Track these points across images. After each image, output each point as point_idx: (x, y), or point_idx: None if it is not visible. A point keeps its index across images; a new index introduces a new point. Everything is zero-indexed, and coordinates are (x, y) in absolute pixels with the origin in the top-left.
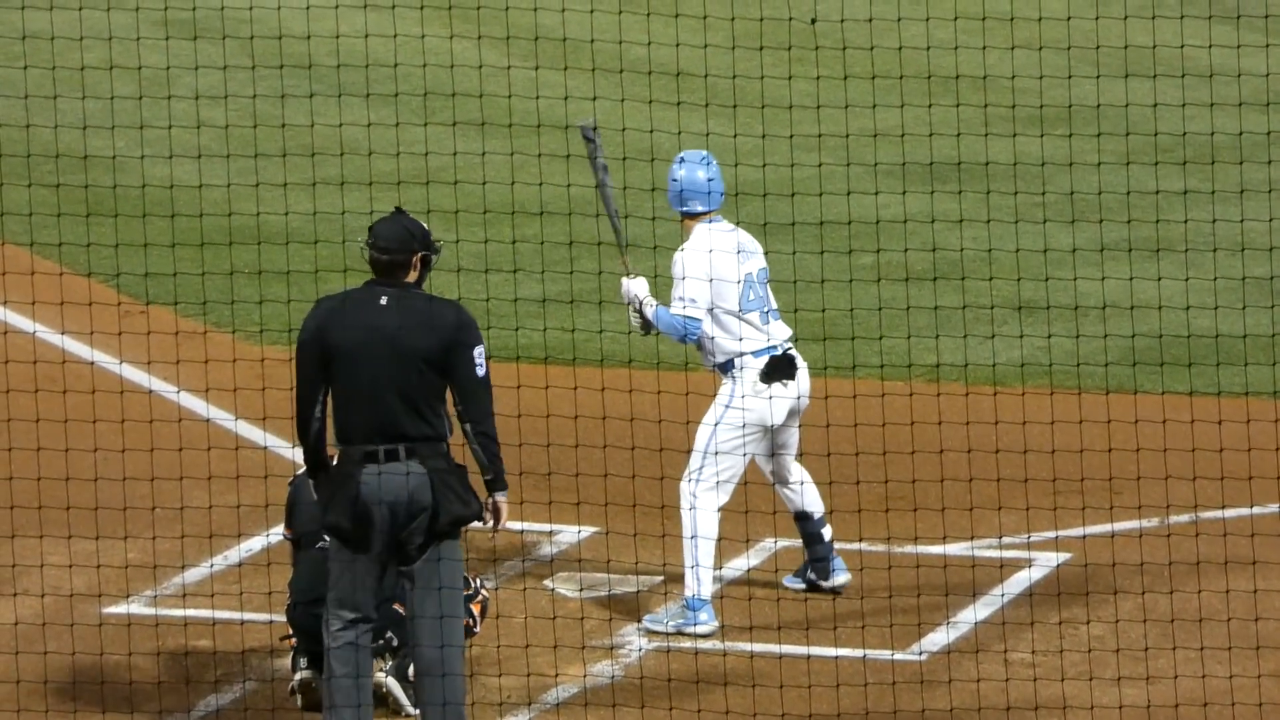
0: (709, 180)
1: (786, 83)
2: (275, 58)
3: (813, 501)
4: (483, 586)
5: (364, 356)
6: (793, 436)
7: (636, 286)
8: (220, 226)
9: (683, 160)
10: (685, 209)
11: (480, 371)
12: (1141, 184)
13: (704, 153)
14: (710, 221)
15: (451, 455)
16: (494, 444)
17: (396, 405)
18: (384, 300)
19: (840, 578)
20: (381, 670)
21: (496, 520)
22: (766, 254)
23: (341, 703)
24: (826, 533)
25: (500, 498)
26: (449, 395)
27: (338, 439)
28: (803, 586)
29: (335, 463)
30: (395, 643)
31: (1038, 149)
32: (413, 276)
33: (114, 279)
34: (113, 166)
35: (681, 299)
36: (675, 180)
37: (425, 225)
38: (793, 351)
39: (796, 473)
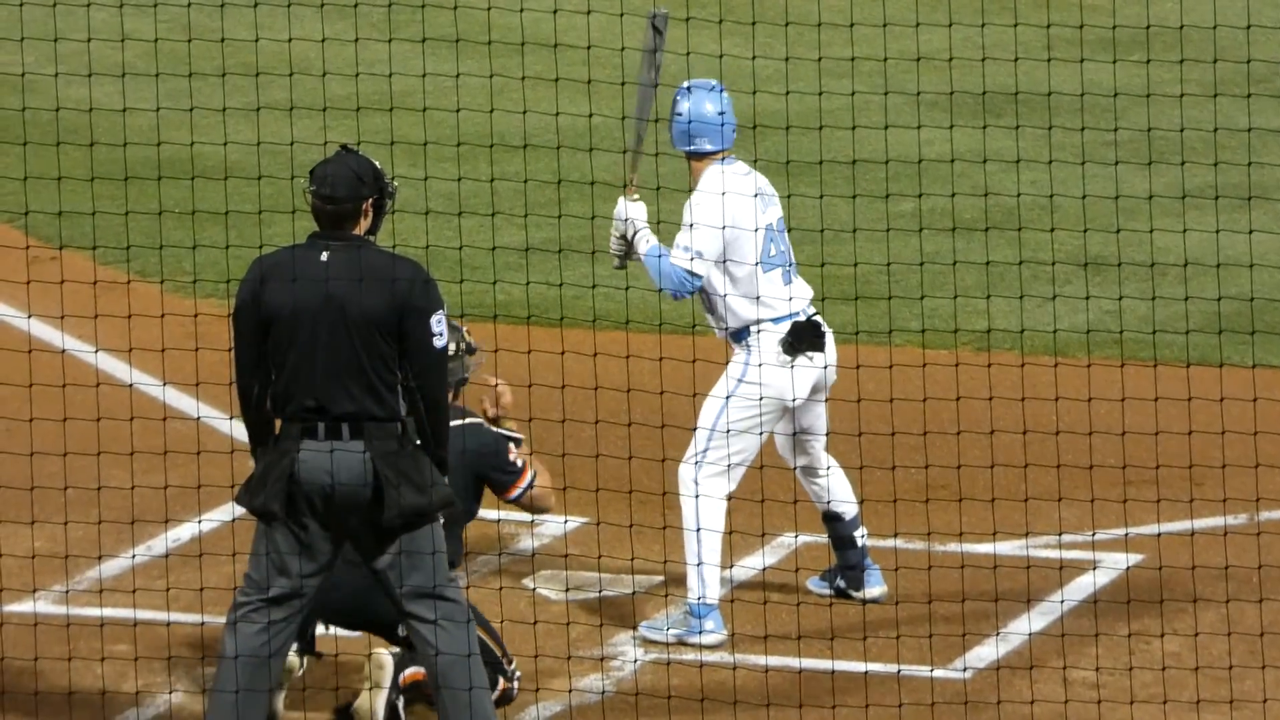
0: (720, 114)
1: None
2: None
3: (843, 496)
4: (514, 674)
5: (303, 321)
6: (819, 419)
7: (636, 210)
8: (147, 158)
9: (688, 90)
10: (692, 148)
11: (439, 342)
12: (1232, 120)
13: (713, 82)
14: (723, 162)
15: (409, 435)
16: (444, 424)
17: (340, 377)
18: (324, 256)
19: (875, 589)
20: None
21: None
22: (787, 198)
23: (225, 686)
24: (860, 535)
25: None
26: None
27: (275, 411)
28: (829, 592)
29: (273, 439)
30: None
31: (1109, 77)
32: (363, 226)
33: (21, 218)
34: (21, 86)
35: (688, 249)
36: (680, 115)
37: (377, 164)
38: (817, 317)
39: (824, 460)
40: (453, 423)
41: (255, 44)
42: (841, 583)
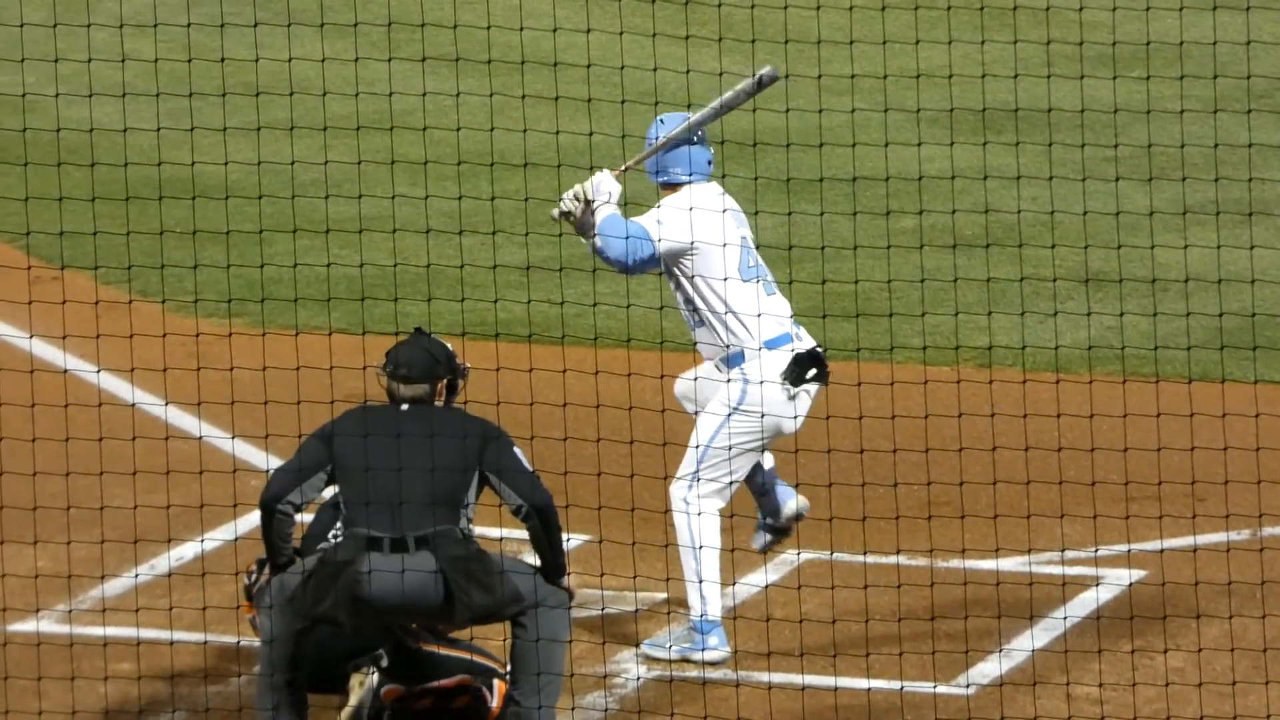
0: (691, 144)
1: (814, 13)
2: None
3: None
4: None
5: (378, 461)
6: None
7: (613, 185)
8: (148, 178)
9: (661, 122)
10: (664, 179)
11: (528, 464)
12: (1232, 136)
13: (684, 114)
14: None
15: (472, 540)
16: (559, 534)
17: (410, 507)
18: (405, 409)
19: (791, 504)
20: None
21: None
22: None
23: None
24: (767, 460)
25: (565, 584)
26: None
27: (343, 524)
28: (768, 539)
29: (333, 546)
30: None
31: (1109, 94)
32: (438, 404)
33: (22, 239)
34: (21, 106)
35: (658, 222)
36: (650, 145)
37: (449, 346)
38: (819, 348)
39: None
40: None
41: (255, 64)
42: (768, 520)
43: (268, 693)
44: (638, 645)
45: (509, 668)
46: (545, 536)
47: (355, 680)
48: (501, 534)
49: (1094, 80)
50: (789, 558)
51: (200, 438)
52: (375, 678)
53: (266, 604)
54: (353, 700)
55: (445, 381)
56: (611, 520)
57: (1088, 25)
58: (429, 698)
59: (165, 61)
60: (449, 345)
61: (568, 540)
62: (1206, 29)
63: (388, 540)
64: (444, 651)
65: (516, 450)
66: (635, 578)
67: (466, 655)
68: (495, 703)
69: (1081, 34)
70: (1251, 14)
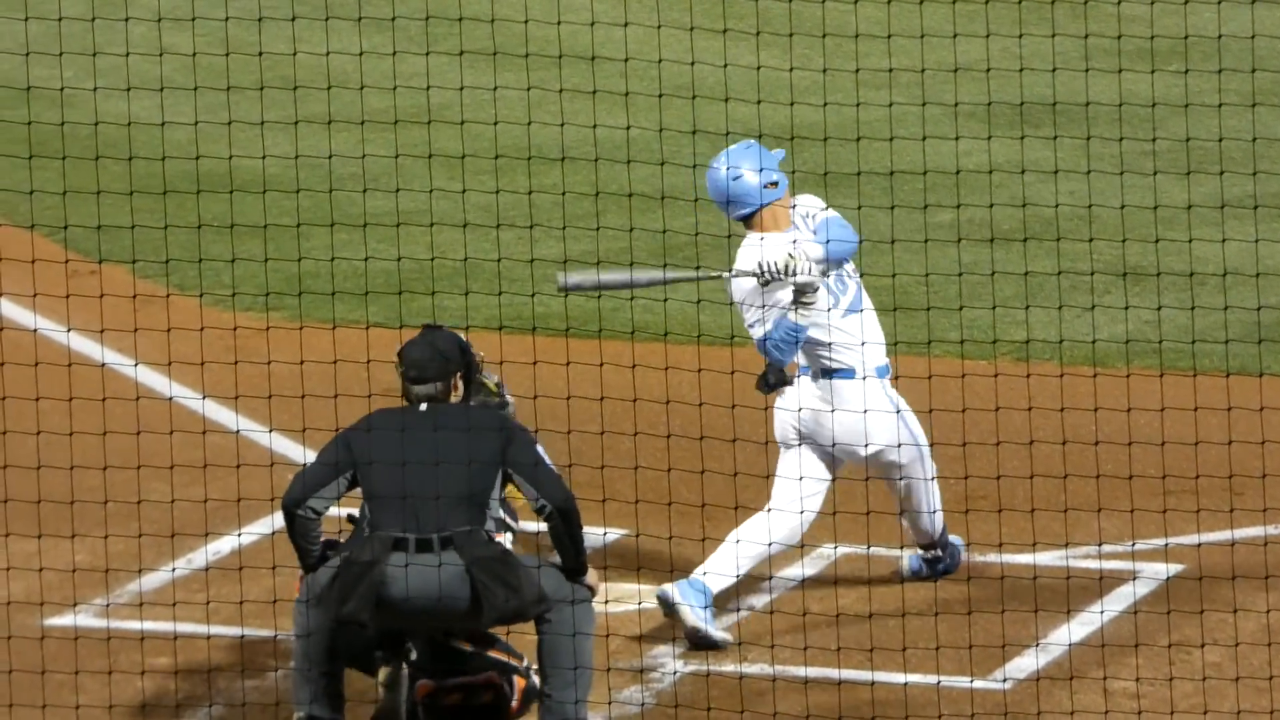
0: (756, 172)
1: (852, 7)
2: None
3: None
4: (529, 666)
5: (398, 460)
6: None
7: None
8: (186, 172)
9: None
10: (737, 215)
11: (544, 455)
12: (1270, 129)
13: (748, 142)
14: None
15: (496, 541)
16: (581, 531)
17: (433, 505)
18: (424, 408)
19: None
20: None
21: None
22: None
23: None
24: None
25: (587, 580)
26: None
27: (369, 525)
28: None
29: (357, 546)
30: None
31: (1147, 88)
32: (455, 398)
33: (60, 232)
34: (60, 100)
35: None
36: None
37: (462, 337)
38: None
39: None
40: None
41: (293, 57)
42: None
43: (304, 686)
44: (674, 640)
45: (527, 663)
46: (566, 534)
47: (383, 675)
48: (539, 527)
49: (1132, 74)
50: (826, 551)
51: (237, 432)
52: (406, 674)
53: (302, 599)
54: (387, 695)
55: (459, 375)
56: (648, 514)
57: (1126, 19)
58: (458, 693)
59: (203, 55)
60: (460, 336)
61: (605, 535)
62: (1245, 22)
63: (413, 540)
64: (468, 648)
65: (538, 447)
66: (672, 572)
67: (489, 651)
68: (516, 699)
69: (1120, 28)
70: None
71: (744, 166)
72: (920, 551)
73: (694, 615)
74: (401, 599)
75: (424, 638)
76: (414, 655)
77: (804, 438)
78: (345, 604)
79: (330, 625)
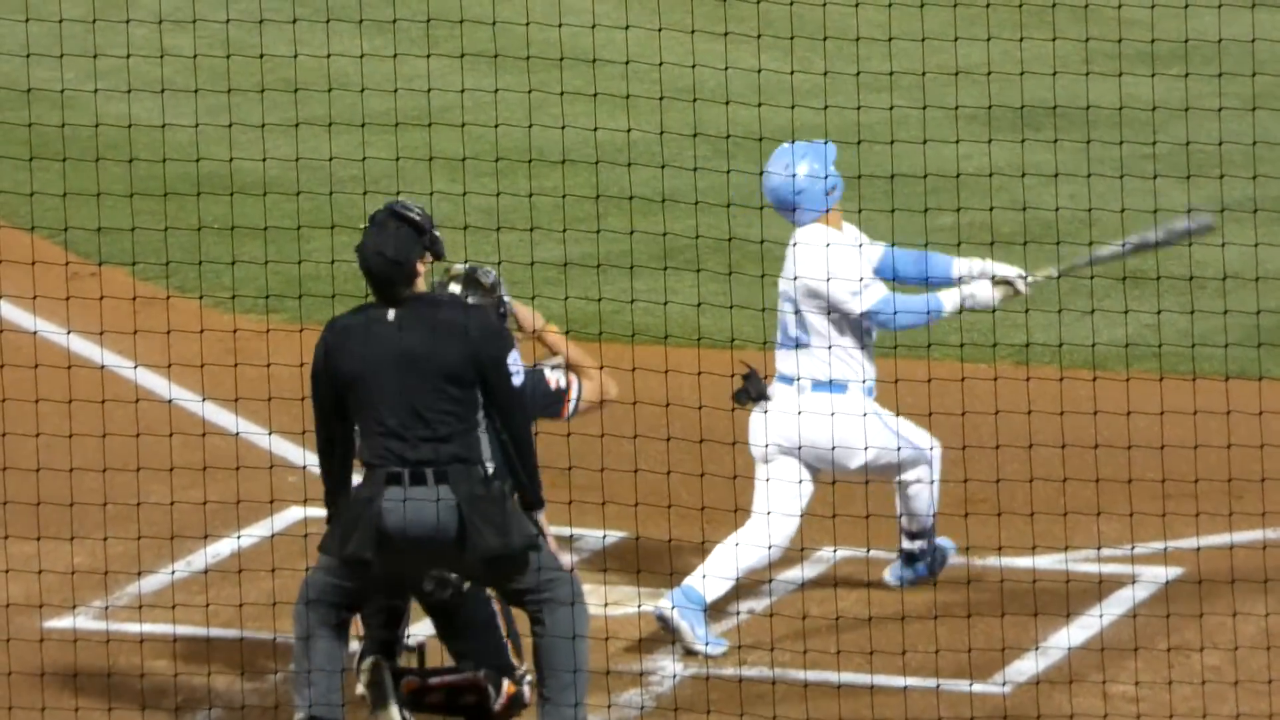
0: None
1: (853, 10)
2: None
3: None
4: (525, 675)
5: (378, 379)
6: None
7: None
8: (186, 174)
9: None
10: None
11: (517, 380)
12: (1270, 133)
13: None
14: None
15: (491, 479)
16: (531, 460)
17: (420, 427)
18: (391, 316)
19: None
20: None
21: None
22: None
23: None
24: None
25: (537, 516)
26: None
27: (361, 460)
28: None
29: (356, 487)
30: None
31: (1148, 91)
32: (420, 285)
33: (60, 234)
34: (60, 102)
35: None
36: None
37: (420, 212)
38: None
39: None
40: None
41: (294, 60)
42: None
43: (304, 688)
44: (674, 643)
45: (523, 668)
46: (519, 462)
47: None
48: (571, 532)
49: (1132, 77)
50: (825, 555)
51: (237, 434)
52: (390, 676)
53: (302, 600)
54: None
55: (424, 255)
56: (648, 517)
57: (1126, 23)
58: (439, 693)
59: (204, 57)
60: (414, 212)
61: (604, 537)
62: (1245, 26)
63: (407, 474)
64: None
65: (513, 355)
66: (671, 575)
67: (491, 646)
68: (500, 703)
69: (1120, 31)
70: None
71: (806, 168)
72: (900, 555)
73: (691, 636)
74: (397, 530)
75: (436, 605)
76: (430, 586)
77: (786, 450)
78: (348, 543)
79: (334, 581)
